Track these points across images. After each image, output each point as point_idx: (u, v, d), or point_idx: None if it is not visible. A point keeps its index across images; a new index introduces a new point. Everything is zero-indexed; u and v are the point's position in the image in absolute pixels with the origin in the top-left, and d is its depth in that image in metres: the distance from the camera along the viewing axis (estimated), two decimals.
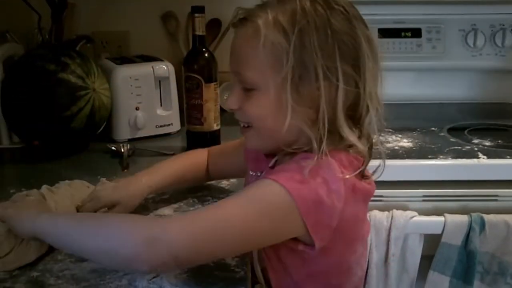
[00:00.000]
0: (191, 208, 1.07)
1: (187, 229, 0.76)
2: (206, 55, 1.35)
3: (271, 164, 0.91)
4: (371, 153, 0.87)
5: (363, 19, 0.84)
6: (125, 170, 1.29)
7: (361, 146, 0.83)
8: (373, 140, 0.87)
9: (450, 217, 1.30)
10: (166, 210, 1.06)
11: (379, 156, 0.89)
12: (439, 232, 1.31)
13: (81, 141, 1.44)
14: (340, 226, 0.80)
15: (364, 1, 1.90)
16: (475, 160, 1.36)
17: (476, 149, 1.43)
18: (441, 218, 1.31)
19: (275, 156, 0.91)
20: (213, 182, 1.19)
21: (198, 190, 1.15)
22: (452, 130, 1.59)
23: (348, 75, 0.80)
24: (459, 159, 1.36)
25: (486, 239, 1.30)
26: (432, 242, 1.32)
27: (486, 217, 1.30)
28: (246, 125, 0.89)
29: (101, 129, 1.46)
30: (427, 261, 1.33)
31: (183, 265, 0.80)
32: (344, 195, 0.79)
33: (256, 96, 0.83)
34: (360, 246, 0.90)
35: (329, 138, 0.80)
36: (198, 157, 1.14)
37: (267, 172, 0.88)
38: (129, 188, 1.04)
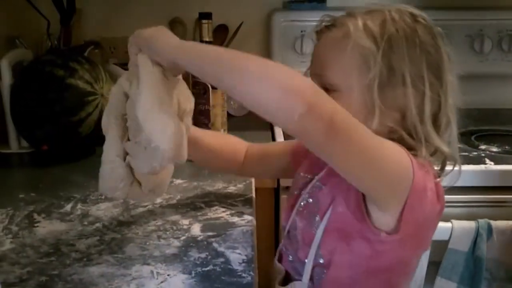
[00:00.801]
0: (199, 213, 1.07)
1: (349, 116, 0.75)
2: None
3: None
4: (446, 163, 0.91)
5: (441, 32, 0.88)
6: None
7: (448, 151, 0.87)
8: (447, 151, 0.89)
9: (457, 223, 1.30)
10: (174, 215, 1.07)
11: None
12: (446, 238, 1.30)
13: (89, 146, 1.45)
14: (422, 225, 0.84)
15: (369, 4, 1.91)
16: (482, 166, 1.36)
17: (483, 155, 1.43)
18: (448, 224, 1.30)
19: None
20: (219, 187, 1.20)
21: (205, 196, 1.16)
22: (459, 136, 1.58)
23: (432, 84, 0.84)
24: (466, 165, 1.36)
25: (493, 245, 1.29)
26: (439, 248, 1.31)
27: (494, 223, 1.30)
28: None
29: None
30: (434, 267, 1.33)
31: (330, 137, 0.74)
32: (434, 198, 0.84)
33: (336, 97, 0.82)
34: (423, 251, 0.92)
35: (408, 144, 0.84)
36: (237, 142, 1.15)
37: (337, 174, 0.87)
38: None
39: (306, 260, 0.90)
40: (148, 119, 0.81)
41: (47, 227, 1.03)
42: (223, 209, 1.09)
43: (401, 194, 0.81)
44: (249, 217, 1.05)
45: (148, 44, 0.85)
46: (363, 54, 0.83)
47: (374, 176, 0.79)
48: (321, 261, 0.89)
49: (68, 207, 1.12)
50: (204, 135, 1.08)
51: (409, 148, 0.84)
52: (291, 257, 0.96)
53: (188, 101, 0.91)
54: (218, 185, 1.21)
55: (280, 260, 1.01)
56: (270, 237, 1.38)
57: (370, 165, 0.78)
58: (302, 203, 0.94)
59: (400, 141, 0.84)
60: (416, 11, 0.87)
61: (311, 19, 1.82)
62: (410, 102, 0.83)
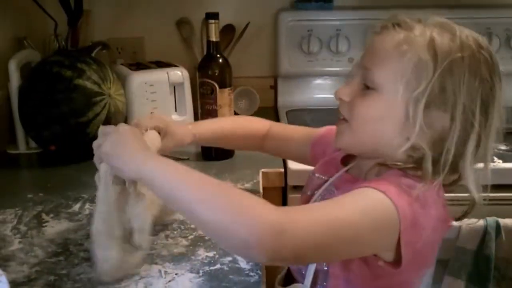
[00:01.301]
0: None
1: (314, 227, 0.72)
2: (220, 60, 1.36)
3: (342, 170, 0.93)
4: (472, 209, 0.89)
5: (500, 73, 0.85)
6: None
7: (475, 194, 0.84)
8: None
9: (465, 222, 1.29)
10: (181, 215, 1.07)
11: None
12: (454, 236, 1.30)
13: None
14: (421, 251, 0.81)
15: (377, 6, 1.91)
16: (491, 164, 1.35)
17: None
18: (456, 223, 1.30)
19: (349, 164, 0.92)
20: None
21: None
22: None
23: (481, 120, 0.81)
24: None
25: (502, 244, 1.29)
26: (447, 246, 1.31)
27: (502, 221, 1.29)
28: (343, 118, 0.88)
29: None
30: (442, 265, 1.32)
31: (298, 263, 0.77)
32: (433, 224, 0.81)
33: (374, 97, 0.83)
34: (426, 270, 0.91)
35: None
36: (256, 124, 1.17)
37: (351, 180, 0.89)
38: (174, 127, 1.08)
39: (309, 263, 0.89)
40: (95, 241, 0.83)
41: (55, 227, 1.03)
42: None
43: (392, 241, 0.78)
44: None
45: (110, 161, 0.82)
46: (418, 66, 0.80)
47: (362, 250, 0.79)
48: (325, 268, 0.87)
49: (76, 207, 1.12)
50: (223, 127, 1.12)
51: (418, 168, 0.81)
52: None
53: (141, 221, 0.87)
54: None
55: None
56: None
57: (353, 249, 0.77)
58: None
59: (417, 160, 0.81)
60: (483, 42, 0.84)
61: (318, 18, 1.84)
62: (455, 132, 0.80)
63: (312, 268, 0.88)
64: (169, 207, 0.82)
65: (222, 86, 1.35)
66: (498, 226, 1.28)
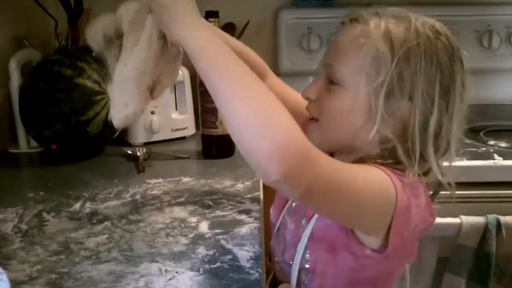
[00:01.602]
0: (207, 211, 1.07)
1: (332, 170, 0.74)
2: None
3: None
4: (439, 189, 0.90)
5: (461, 57, 0.85)
6: (141, 174, 1.30)
7: (440, 177, 0.85)
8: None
9: (465, 219, 1.30)
10: (182, 213, 1.07)
11: None
12: (455, 234, 1.30)
13: (97, 145, 1.46)
14: (408, 240, 0.83)
15: (376, 3, 1.90)
16: (490, 162, 1.35)
17: (491, 150, 1.42)
18: (457, 220, 1.30)
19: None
20: (227, 185, 1.20)
21: (213, 194, 1.16)
22: (468, 132, 1.58)
23: (439, 106, 0.82)
24: (475, 161, 1.36)
25: (502, 241, 1.29)
26: (447, 244, 1.31)
27: (503, 218, 1.29)
28: (311, 118, 0.90)
29: (117, 133, 1.47)
30: (442, 263, 1.33)
31: (305, 197, 0.74)
32: (422, 214, 0.82)
33: (339, 92, 0.84)
34: (409, 262, 0.92)
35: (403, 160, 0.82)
36: (259, 62, 1.11)
37: None
38: None
39: (291, 262, 0.90)
40: (120, 85, 0.84)
41: (56, 226, 1.03)
42: (231, 207, 1.09)
43: (385, 221, 0.80)
44: (256, 214, 1.05)
45: (161, 13, 0.81)
46: (376, 58, 0.81)
47: (357, 218, 0.80)
48: (307, 265, 0.88)
49: (77, 205, 1.13)
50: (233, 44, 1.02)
51: (398, 162, 0.82)
52: (277, 257, 0.96)
53: (169, 77, 0.89)
54: (226, 183, 1.21)
55: (270, 260, 1.01)
56: None
57: (351, 211, 0.79)
58: (293, 204, 0.94)
59: (391, 153, 0.83)
60: (441, 28, 0.85)
61: (318, 16, 1.84)
62: (415, 118, 0.81)
63: (295, 266, 0.89)
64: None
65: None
66: (498, 223, 1.28)
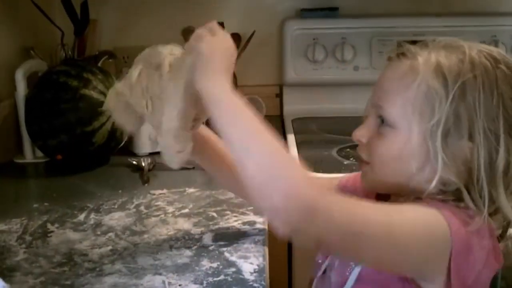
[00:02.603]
0: (211, 223, 1.07)
1: (346, 216, 0.68)
2: None
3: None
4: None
5: None
6: (146, 184, 1.30)
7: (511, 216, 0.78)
8: None
9: None
10: (186, 224, 1.07)
11: None
12: None
13: (102, 156, 1.46)
14: (471, 286, 0.76)
15: (383, 14, 1.91)
16: None
17: None
18: None
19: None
20: (231, 196, 1.19)
21: (217, 205, 1.16)
22: None
23: (507, 142, 0.75)
24: None
25: (509, 253, 1.28)
26: None
27: (510, 230, 1.28)
28: (362, 162, 0.84)
29: (122, 144, 1.48)
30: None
31: (326, 250, 0.73)
32: (487, 257, 0.76)
33: (390, 135, 0.78)
34: None
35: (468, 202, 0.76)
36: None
37: None
38: None
39: None
40: (168, 135, 0.86)
41: (60, 237, 1.04)
42: (235, 218, 1.09)
43: (441, 264, 0.73)
44: (261, 226, 1.05)
45: (197, 59, 0.79)
46: (429, 95, 0.74)
47: (398, 263, 0.73)
48: None
49: (81, 216, 1.13)
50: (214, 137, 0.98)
51: (458, 199, 0.76)
52: None
53: (204, 112, 0.89)
54: (230, 194, 1.21)
55: None
56: (282, 246, 1.37)
57: (386, 256, 0.72)
58: None
59: (455, 195, 0.76)
60: (499, 55, 0.77)
61: (324, 27, 1.85)
62: (479, 158, 0.74)
63: None
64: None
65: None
66: None
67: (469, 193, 0.75)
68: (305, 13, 1.88)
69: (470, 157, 0.75)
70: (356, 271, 0.81)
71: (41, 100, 1.37)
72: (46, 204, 1.19)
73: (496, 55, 0.77)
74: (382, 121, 0.80)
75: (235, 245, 0.98)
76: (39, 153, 1.49)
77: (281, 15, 1.89)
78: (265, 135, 0.72)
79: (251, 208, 1.13)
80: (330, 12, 1.87)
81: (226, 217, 1.10)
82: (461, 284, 0.74)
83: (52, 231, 1.06)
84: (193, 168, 1.40)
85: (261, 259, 0.92)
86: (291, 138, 1.58)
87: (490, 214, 0.77)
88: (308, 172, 0.70)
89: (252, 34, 1.81)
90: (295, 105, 1.90)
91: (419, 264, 0.74)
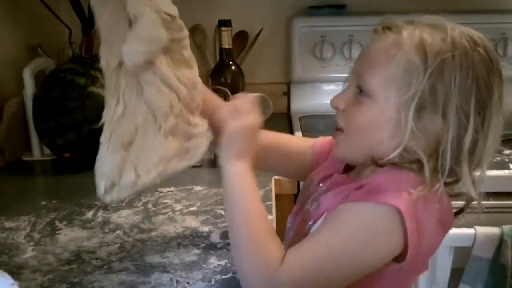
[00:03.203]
0: (218, 221, 1.07)
1: (308, 268, 0.74)
2: (233, 68, 1.36)
3: (336, 175, 0.91)
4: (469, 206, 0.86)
5: (501, 70, 0.81)
6: None
7: (475, 196, 0.82)
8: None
9: (480, 230, 1.28)
10: (193, 222, 1.07)
11: None
12: (470, 244, 1.28)
13: None
14: (423, 253, 0.79)
15: (391, 11, 1.89)
16: (506, 171, 1.34)
17: (507, 160, 1.41)
18: (472, 231, 1.29)
19: (350, 171, 0.91)
20: None
21: None
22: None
23: (476, 122, 0.78)
24: (490, 170, 1.33)
25: None
26: (462, 255, 1.30)
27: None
28: (339, 129, 0.87)
29: None
30: (457, 274, 1.31)
31: None
32: (440, 230, 0.80)
33: (367, 104, 0.81)
34: (421, 274, 0.88)
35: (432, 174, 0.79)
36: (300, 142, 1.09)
37: (341, 182, 0.88)
38: None
39: None
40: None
41: (68, 235, 1.04)
42: None
43: (398, 246, 0.77)
44: None
45: (224, 136, 0.82)
46: (408, 69, 0.77)
47: (367, 269, 0.78)
48: None
49: (89, 214, 1.13)
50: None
51: (412, 162, 0.79)
52: None
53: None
54: None
55: None
56: None
57: (356, 274, 0.77)
58: (309, 208, 0.91)
59: (419, 168, 0.79)
60: (479, 38, 0.80)
61: (331, 24, 1.84)
62: (448, 134, 0.77)
63: None
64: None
65: (235, 93, 1.34)
66: None
67: (431, 167, 0.78)
68: (312, 10, 1.87)
69: (440, 133, 0.78)
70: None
71: (49, 98, 1.37)
72: (54, 201, 1.20)
73: (476, 39, 0.79)
74: (361, 90, 0.83)
75: None
76: (47, 151, 1.49)
77: (289, 13, 1.88)
78: (261, 227, 0.78)
79: None
80: (338, 9, 1.86)
81: None
82: (415, 253, 0.77)
83: (60, 229, 1.06)
84: (201, 166, 1.40)
85: None
86: (298, 135, 1.58)
87: (448, 184, 0.81)
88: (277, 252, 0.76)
89: (260, 32, 1.81)
90: (302, 103, 1.89)
91: (384, 256, 0.78)
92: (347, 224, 0.77)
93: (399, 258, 0.78)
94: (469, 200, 0.85)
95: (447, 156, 0.77)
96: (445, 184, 0.80)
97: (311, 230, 0.85)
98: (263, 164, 1.03)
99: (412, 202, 0.75)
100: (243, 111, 0.84)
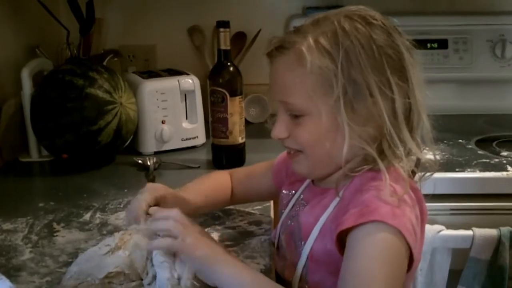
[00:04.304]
0: (217, 222, 1.07)
1: None
2: (231, 69, 1.36)
3: (307, 182, 0.93)
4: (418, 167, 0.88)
5: (398, 28, 0.84)
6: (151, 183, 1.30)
7: (424, 158, 0.85)
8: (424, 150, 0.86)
9: (478, 231, 1.28)
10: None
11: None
12: (468, 246, 1.28)
13: (108, 154, 1.46)
14: (418, 251, 0.81)
15: (389, 12, 1.89)
16: (503, 173, 1.34)
17: (504, 161, 1.41)
18: (470, 232, 1.29)
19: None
20: None
21: None
22: (480, 142, 1.57)
23: (399, 86, 0.80)
24: (487, 172, 1.34)
25: None
26: (460, 256, 1.30)
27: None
28: (294, 151, 0.88)
29: (127, 143, 1.47)
30: (455, 275, 1.31)
31: None
32: (416, 220, 0.80)
33: (306, 122, 0.83)
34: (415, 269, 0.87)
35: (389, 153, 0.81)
36: (221, 178, 1.12)
37: (320, 192, 0.89)
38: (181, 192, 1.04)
39: (291, 281, 0.88)
40: None
41: (66, 236, 1.03)
42: (241, 218, 1.09)
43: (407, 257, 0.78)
44: (267, 226, 1.05)
45: (190, 259, 0.80)
46: (323, 74, 0.79)
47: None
48: (306, 286, 0.86)
49: (87, 216, 1.13)
50: (197, 197, 1.04)
51: (381, 158, 0.81)
52: (278, 273, 0.94)
53: None
54: None
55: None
56: None
57: None
58: (290, 222, 0.92)
59: (380, 155, 0.81)
60: (367, 12, 0.83)
61: None
62: (383, 112, 0.79)
63: (295, 286, 0.87)
64: None
65: (233, 94, 1.35)
66: (511, 235, 1.27)
67: (384, 151, 0.81)
68: (310, 11, 1.86)
69: (376, 112, 0.80)
70: (307, 250, 0.85)
71: (47, 99, 1.37)
72: (51, 203, 1.19)
73: (365, 13, 0.82)
74: (294, 115, 0.84)
75: (241, 245, 0.97)
76: (45, 152, 1.49)
77: (287, 14, 1.88)
78: None
79: (258, 207, 1.13)
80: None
81: (232, 216, 1.10)
82: (417, 252, 0.79)
83: (58, 231, 1.06)
84: (198, 167, 1.40)
85: (267, 259, 0.92)
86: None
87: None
88: None
89: (258, 33, 1.81)
90: None
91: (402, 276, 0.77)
92: (370, 251, 0.75)
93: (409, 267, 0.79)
94: (418, 162, 0.86)
95: (391, 131, 0.79)
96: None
97: (303, 250, 0.85)
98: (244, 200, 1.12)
99: (401, 213, 0.76)
100: (182, 226, 0.81)
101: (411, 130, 0.83)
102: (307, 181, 0.93)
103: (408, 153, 0.83)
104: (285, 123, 0.86)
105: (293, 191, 0.95)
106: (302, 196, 0.93)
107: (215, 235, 1.01)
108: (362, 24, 0.80)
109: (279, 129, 0.86)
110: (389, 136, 0.80)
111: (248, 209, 1.12)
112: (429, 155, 0.87)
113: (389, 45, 0.81)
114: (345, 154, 0.81)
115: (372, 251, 0.74)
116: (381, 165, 0.80)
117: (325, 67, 0.79)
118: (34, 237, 1.03)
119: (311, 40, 0.80)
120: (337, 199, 0.83)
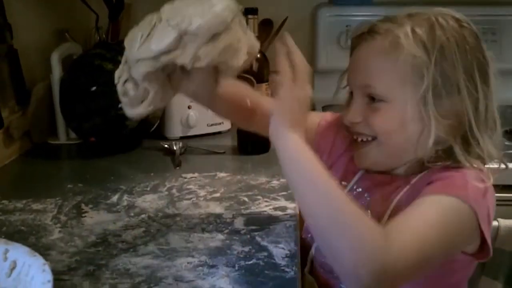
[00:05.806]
0: (242, 207, 1.08)
1: (410, 256, 0.72)
2: (258, 55, 1.36)
3: (360, 173, 0.94)
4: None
5: (480, 35, 0.87)
6: (178, 168, 1.31)
7: (499, 155, 0.87)
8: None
9: (503, 222, 1.27)
10: (217, 208, 1.08)
11: None
12: (493, 237, 1.27)
13: (135, 138, 1.48)
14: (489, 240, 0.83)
15: (417, 2, 1.88)
16: None
17: None
18: (495, 223, 1.28)
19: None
20: (262, 181, 1.20)
21: (249, 190, 1.16)
22: (509, 134, 1.55)
23: (483, 89, 0.83)
24: None
25: None
26: None
27: None
28: (368, 139, 0.88)
29: (154, 127, 1.49)
30: (479, 266, 1.30)
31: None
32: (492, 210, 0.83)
33: (386, 108, 0.84)
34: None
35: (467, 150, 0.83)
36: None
37: (386, 181, 0.90)
38: None
39: None
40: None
41: (94, 218, 1.05)
42: (266, 203, 1.10)
43: (474, 234, 0.81)
44: (291, 212, 1.05)
45: (275, 102, 0.81)
46: (415, 65, 0.81)
47: (449, 256, 0.81)
48: None
49: (114, 198, 1.14)
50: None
51: (456, 161, 0.82)
52: (323, 270, 0.94)
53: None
54: (261, 179, 1.22)
55: (311, 271, 0.99)
56: None
57: (442, 259, 0.79)
58: None
59: (446, 151, 0.83)
60: (458, 15, 0.85)
61: (357, 14, 1.83)
62: (468, 109, 0.81)
63: None
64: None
65: (259, 81, 1.35)
66: None
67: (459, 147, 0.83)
68: (338, 0, 1.86)
69: (461, 109, 0.82)
70: None
71: (76, 83, 1.39)
72: (80, 185, 1.21)
73: (457, 16, 0.85)
74: (373, 98, 0.85)
75: (266, 230, 0.98)
76: (73, 135, 1.51)
77: (314, 2, 1.88)
78: (335, 193, 0.74)
79: (283, 193, 1.13)
80: None
81: (257, 202, 1.10)
82: (489, 229, 0.82)
83: (86, 212, 1.08)
84: (224, 152, 1.41)
85: (292, 244, 0.93)
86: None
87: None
88: (370, 225, 0.73)
89: (285, 21, 1.81)
90: (326, 92, 1.87)
91: (463, 246, 0.82)
92: (435, 207, 0.78)
93: (478, 256, 0.83)
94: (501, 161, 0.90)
95: (473, 128, 0.82)
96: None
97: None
98: None
99: (483, 200, 0.80)
100: (300, 81, 0.81)
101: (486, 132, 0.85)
102: (360, 172, 0.93)
103: (485, 152, 0.85)
104: (360, 109, 0.87)
105: (344, 183, 0.95)
106: (357, 186, 0.93)
107: (241, 220, 1.02)
108: (456, 24, 0.83)
109: (353, 114, 0.88)
110: (469, 133, 0.82)
111: (273, 195, 1.13)
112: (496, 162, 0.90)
113: (479, 49, 0.84)
114: (430, 146, 0.82)
115: (437, 217, 0.76)
116: (461, 157, 0.82)
117: (418, 57, 0.80)
118: (63, 218, 1.05)
119: (408, 29, 0.82)
120: (407, 187, 0.85)
